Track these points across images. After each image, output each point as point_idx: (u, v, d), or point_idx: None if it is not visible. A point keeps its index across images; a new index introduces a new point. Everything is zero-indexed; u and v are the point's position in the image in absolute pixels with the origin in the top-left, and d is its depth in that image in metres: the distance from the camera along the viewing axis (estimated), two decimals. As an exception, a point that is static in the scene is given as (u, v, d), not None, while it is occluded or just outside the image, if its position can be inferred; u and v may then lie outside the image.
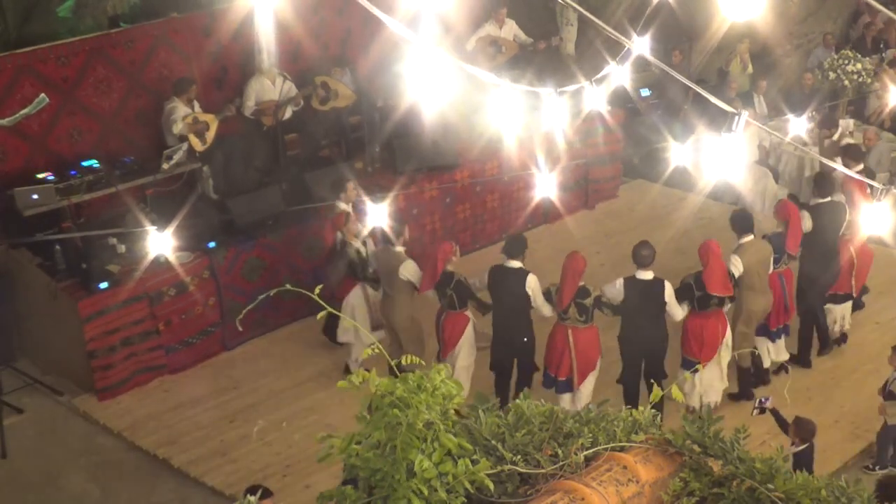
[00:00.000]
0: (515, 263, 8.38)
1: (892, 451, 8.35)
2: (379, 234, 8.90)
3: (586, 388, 8.47)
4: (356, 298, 9.18)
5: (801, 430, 7.49)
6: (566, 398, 8.48)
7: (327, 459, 3.40)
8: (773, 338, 9.21)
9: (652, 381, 8.14)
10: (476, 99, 9.13)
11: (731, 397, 9.00)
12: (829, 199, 9.29)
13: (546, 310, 8.41)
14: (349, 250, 9.12)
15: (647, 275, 8.21)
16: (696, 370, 8.31)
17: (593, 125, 11.80)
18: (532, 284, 8.31)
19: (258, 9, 9.08)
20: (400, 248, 8.77)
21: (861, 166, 9.81)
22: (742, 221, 8.80)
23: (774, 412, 7.67)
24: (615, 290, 8.27)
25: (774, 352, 9.27)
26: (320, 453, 3.40)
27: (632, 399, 8.29)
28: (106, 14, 10.19)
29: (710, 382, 8.59)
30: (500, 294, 8.44)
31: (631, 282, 8.22)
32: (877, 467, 8.32)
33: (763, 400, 7.78)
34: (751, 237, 8.69)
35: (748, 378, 9.09)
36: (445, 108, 9.67)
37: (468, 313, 8.62)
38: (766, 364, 9.28)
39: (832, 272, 9.39)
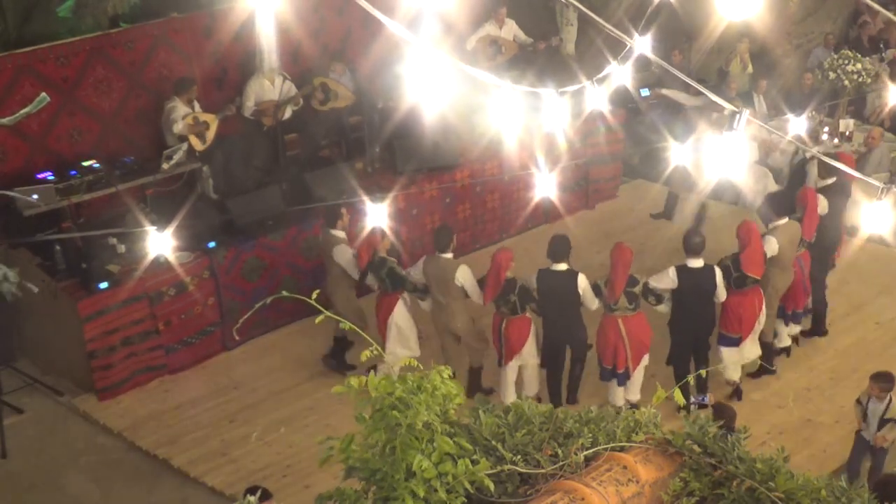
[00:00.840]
0: (563, 266, 8.48)
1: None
2: (378, 233, 8.88)
3: (638, 375, 8.67)
4: (402, 318, 8.93)
5: (721, 415, 7.60)
6: (622, 389, 8.70)
7: (328, 461, 3.41)
8: (787, 321, 9.45)
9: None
10: (476, 99, 9.15)
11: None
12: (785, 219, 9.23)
13: (595, 304, 8.58)
14: (387, 266, 8.84)
15: (697, 262, 8.51)
16: (737, 345, 8.82)
17: (595, 125, 11.81)
18: (583, 284, 8.48)
19: (259, 10, 9.07)
20: (449, 255, 8.71)
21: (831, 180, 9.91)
22: (778, 204, 9.11)
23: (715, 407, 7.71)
24: (668, 278, 8.53)
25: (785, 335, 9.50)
26: (321, 457, 3.40)
27: (683, 378, 8.40)
28: (106, 14, 10.18)
29: (749, 356, 8.99)
30: (552, 296, 8.51)
31: (683, 270, 8.51)
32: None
33: (702, 398, 8.04)
34: (786, 219, 8.97)
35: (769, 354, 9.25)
36: (445, 109, 9.68)
37: (529, 315, 8.67)
38: (784, 345, 9.49)
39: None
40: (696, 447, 3.63)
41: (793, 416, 8.89)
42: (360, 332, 3.96)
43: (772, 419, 8.86)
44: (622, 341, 8.48)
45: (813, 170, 10.69)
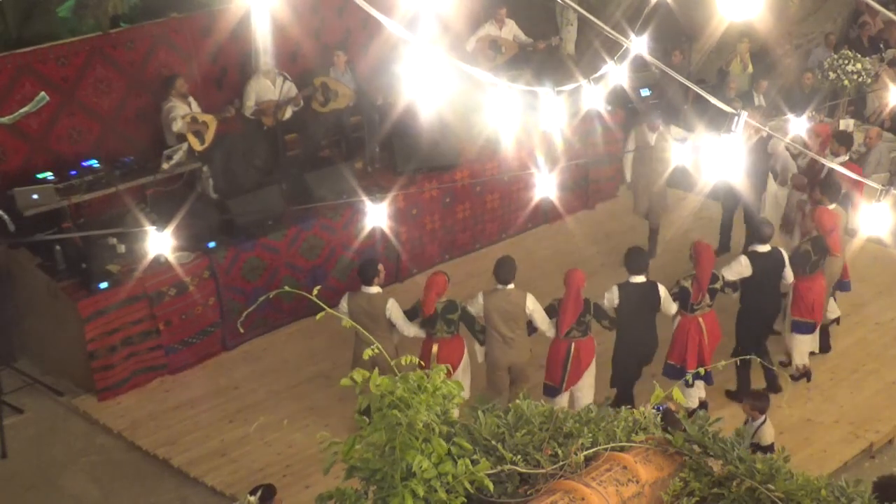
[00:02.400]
0: (640, 278, 8.39)
1: None
2: (379, 234, 8.83)
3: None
4: (465, 365, 8.53)
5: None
6: (694, 389, 8.71)
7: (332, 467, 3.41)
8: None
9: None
10: (475, 99, 9.13)
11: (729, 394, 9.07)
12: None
13: (674, 310, 8.58)
14: (460, 309, 8.34)
15: (765, 248, 8.72)
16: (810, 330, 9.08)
17: (592, 125, 11.80)
18: (664, 293, 8.43)
19: (254, 9, 9.06)
20: (511, 286, 8.26)
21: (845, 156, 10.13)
22: (834, 190, 9.26)
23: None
24: (741, 266, 8.68)
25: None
26: (325, 463, 3.40)
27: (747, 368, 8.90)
28: (107, 14, 10.18)
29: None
30: (632, 308, 8.40)
31: (754, 255, 8.68)
32: None
33: (659, 408, 8.09)
34: (835, 205, 9.18)
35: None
36: (445, 108, 9.67)
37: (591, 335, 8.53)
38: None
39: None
40: (696, 447, 3.63)
41: (793, 416, 8.90)
42: (361, 330, 3.96)
43: (772, 419, 8.85)
44: (704, 339, 8.51)
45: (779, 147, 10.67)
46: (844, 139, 10.57)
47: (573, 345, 8.26)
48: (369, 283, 8.39)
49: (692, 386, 8.57)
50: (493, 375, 8.59)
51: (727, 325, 8.89)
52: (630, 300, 8.35)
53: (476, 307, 8.32)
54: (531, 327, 8.41)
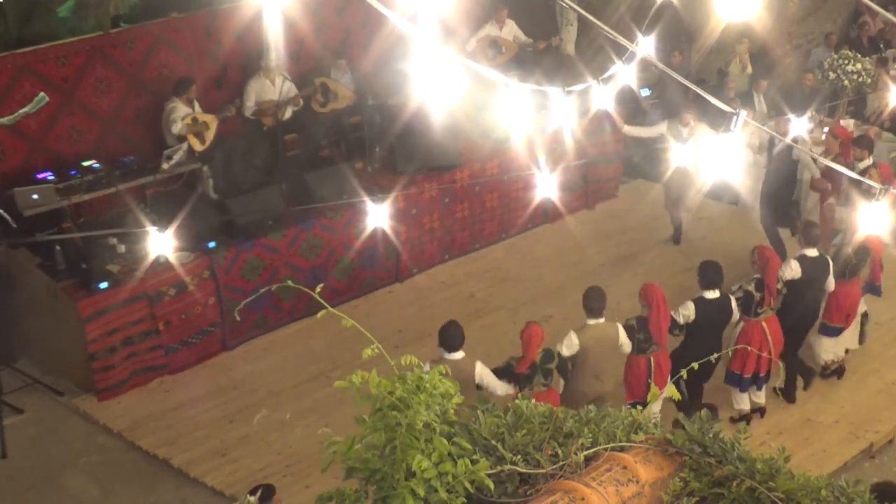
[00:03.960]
0: (715, 293, 8.28)
1: None
2: (379, 234, 8.78)
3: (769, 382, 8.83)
4: None
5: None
6: (758, 393, 8.81)
7: (330, 464, 3.40)
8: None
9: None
10: (479, 98, 9.12)
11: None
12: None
13: (738, 317, 8.52)
14: (556, 356, 7.84)
15: (813, 252, 8.78)
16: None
17: (601, 124, 11.80)
18: (735, 305, 8.39)
19: (266, 8, 9.05)
20: (602, 319, 7.90)
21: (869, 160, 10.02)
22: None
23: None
24: (792, 270, 8.71)
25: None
26: (323, 461, 3.40)
27: (795, 371, 9.07)
28: (108, 14, 10.18)
29: (847, 344, 9.47)
30: (707, 323, 8.30)
31: (804, 259, 8.70)
32: None
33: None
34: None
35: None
36: (446, 108, 9.67)
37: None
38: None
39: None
40: (696, 447, 3.63)
41: (793, 416, 8.90)
42: (362, 329, 3.94)
43: (772, 419, 8.87)
44: (767, 343, 8.50)
45: (805, 158, 10.71)
46: (865, 143, 10.33)
47: (652, 359, 8.13)
48: (453, 350, 7.50)
49: (760, 388, 8.74)
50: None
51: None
52: (705, 316, 8.26)
53: (571, 348, 7.85)
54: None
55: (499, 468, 3.46)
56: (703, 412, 3.78)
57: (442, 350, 7.50)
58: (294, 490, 7.98)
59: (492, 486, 3.35)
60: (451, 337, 7.47)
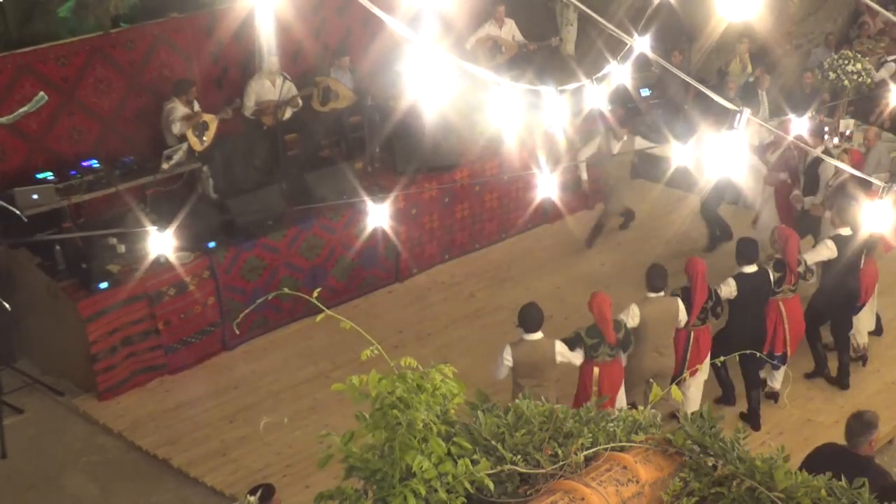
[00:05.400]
0: (753, 267, 8.42)
1: None
2: (380, 234, 8.77)
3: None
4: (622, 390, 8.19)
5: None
6: (782, 371, 8.85)
7: (328, 461, 3.40)
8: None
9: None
10: (476, 98, 9.13)
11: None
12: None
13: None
14: (623, 327, 7.95)
15: (847, 231, 8.80)
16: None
17: (595, 125, 11.79)
18: (772, 278, 8.50)
19: (258, 9, 9.05)
20: (662, 293, 8.09)
21: None
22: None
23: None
24: (827, 250, 8.80)
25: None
26: (321, 459, 3.39)
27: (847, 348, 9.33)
28: (108, 14, 10.19)
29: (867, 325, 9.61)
30: (750, 296, 8.43)
31: (839, 239, 8.77)
32: None
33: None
34: None
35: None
36: (446, 108, 9.66)
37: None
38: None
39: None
40: (696, 447, 3.63)
41: (793, 416, 8.90)
42: (361, 331, 3.94)
43: (772, 419, 8.86)
44: (782, 323, 8.56)
45: (828, 170, 10.70)
46: (817, 131, 10.68)
47: (692, 333, 8.25)
48: (533, 331, 7.62)
49: (778, 368, 8.81)
50: (636, 386, 8.28)
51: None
52: (746, 289, 8.39)
53: (634, 319, 8.01)
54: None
55: (499, 468, 3.45)
56: (706, 407, 3.78)
57: (521, 330, 7.61)
58: (294, 490, 7.98)
59: (492, 486, 3.34)
60: (530, 317, 7.59)
